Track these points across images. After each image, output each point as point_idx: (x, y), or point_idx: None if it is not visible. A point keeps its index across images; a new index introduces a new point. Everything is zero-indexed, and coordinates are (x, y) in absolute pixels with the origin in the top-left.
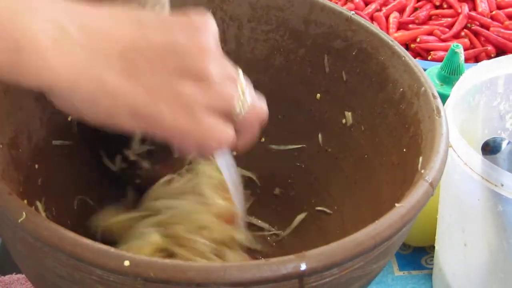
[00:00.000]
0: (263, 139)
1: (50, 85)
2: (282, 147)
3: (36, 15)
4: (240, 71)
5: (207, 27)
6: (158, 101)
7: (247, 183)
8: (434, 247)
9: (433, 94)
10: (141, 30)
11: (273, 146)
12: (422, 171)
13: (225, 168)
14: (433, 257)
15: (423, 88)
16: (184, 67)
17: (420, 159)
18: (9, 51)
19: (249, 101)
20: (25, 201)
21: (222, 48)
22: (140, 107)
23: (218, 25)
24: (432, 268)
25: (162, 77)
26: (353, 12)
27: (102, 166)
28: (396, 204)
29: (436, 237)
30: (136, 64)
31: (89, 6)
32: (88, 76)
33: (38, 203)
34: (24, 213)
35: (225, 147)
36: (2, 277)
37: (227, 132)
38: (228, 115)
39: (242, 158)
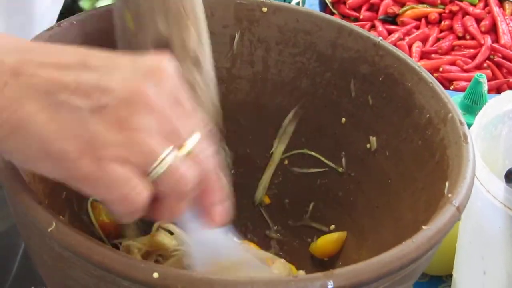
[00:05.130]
0: (286, 162)
1: None
2: (304, 170)
3: None
4: (196, 136)
5: (160, 73)
6: (67, 139)
7: (270, 205)
8: (451, 276)
9: (460, 121)
10: (78, 71)
11: (296, 169)
12: (449, 195)
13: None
14: (449, 286)
15: (450, 114)
16: (110, 111)
17: (447, 184)
18: None
19: (170, 163)
20: None
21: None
22: (49, 143)
23: (246, 47)
24: None
25: (81, 116)
26: (381, 37)
27: None
28: (423, 227)
29: (454, 265)
30: (60, 102)
31: (45, 44)
32: (8, 108)
33: (61, 218)
34: (54, 222)
35: (134, 207)
36: None
37: (137, 189)
38: (145, 173)
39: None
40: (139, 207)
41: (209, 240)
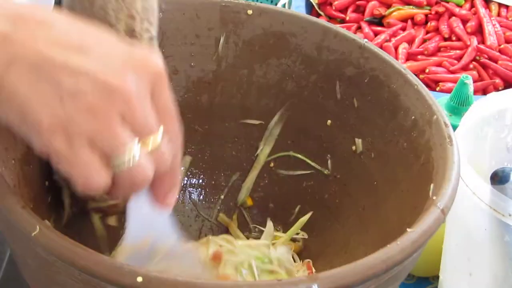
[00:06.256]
0: (272, 164)
1: None
2: (290, 173)
3: None
4: (161, 131)
5: (145, 69)
6: (43, 111)
7: (257, 208)
8: (437, 277)
9: (445, 123)
10: (72, 52)
11: (282, 171)
12: (434, 197)
13: (131, 217)
14: (436, 287)
15: (435, 117)
16: (88, 96)
17: (431, 186)
18: None
19: (137, 159)
20: None
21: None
22: (26, 109)
23: (231, 49)
24: None
25: (61, 94)
26: (366, 40)
27: None
28: (408, 229)
29: (441, 266)
30: (44, 76)
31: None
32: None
33: (47, 222)
34: (37, 227)
35: (93, 190)
36: None
37: (99, 175)
38: (109, 161)
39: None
40: (97, 190)
41: (147, 218)
